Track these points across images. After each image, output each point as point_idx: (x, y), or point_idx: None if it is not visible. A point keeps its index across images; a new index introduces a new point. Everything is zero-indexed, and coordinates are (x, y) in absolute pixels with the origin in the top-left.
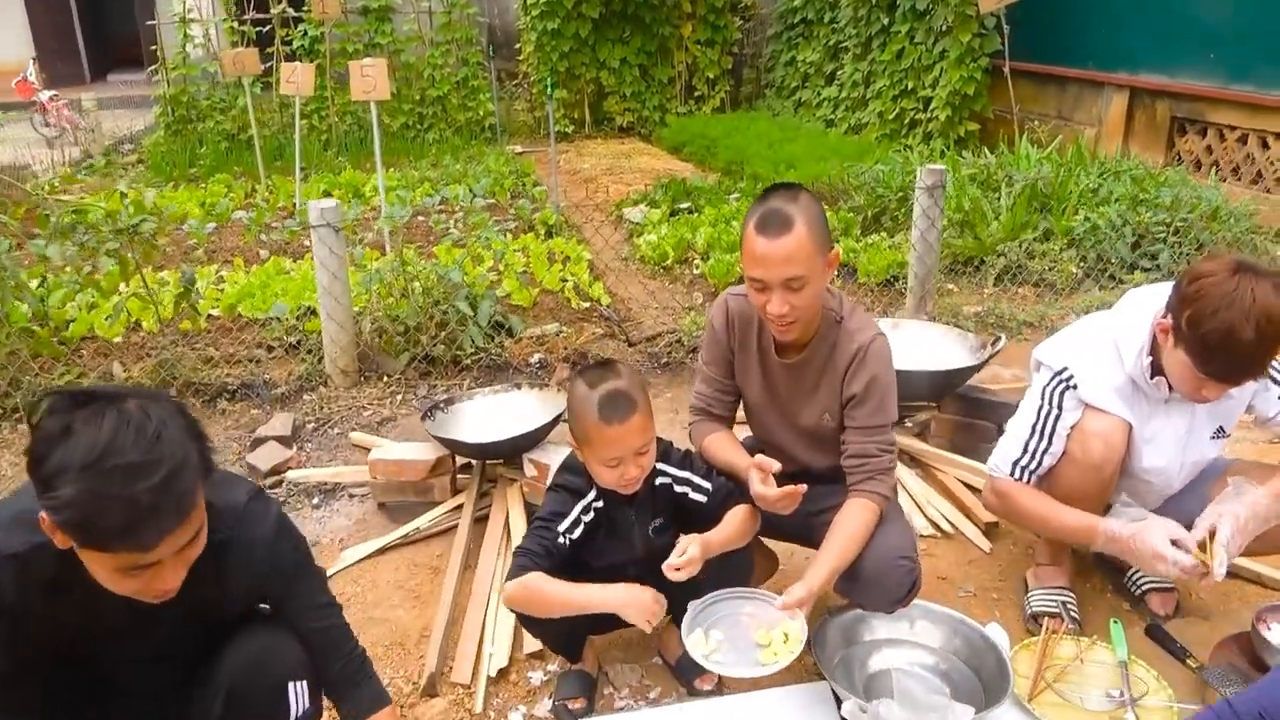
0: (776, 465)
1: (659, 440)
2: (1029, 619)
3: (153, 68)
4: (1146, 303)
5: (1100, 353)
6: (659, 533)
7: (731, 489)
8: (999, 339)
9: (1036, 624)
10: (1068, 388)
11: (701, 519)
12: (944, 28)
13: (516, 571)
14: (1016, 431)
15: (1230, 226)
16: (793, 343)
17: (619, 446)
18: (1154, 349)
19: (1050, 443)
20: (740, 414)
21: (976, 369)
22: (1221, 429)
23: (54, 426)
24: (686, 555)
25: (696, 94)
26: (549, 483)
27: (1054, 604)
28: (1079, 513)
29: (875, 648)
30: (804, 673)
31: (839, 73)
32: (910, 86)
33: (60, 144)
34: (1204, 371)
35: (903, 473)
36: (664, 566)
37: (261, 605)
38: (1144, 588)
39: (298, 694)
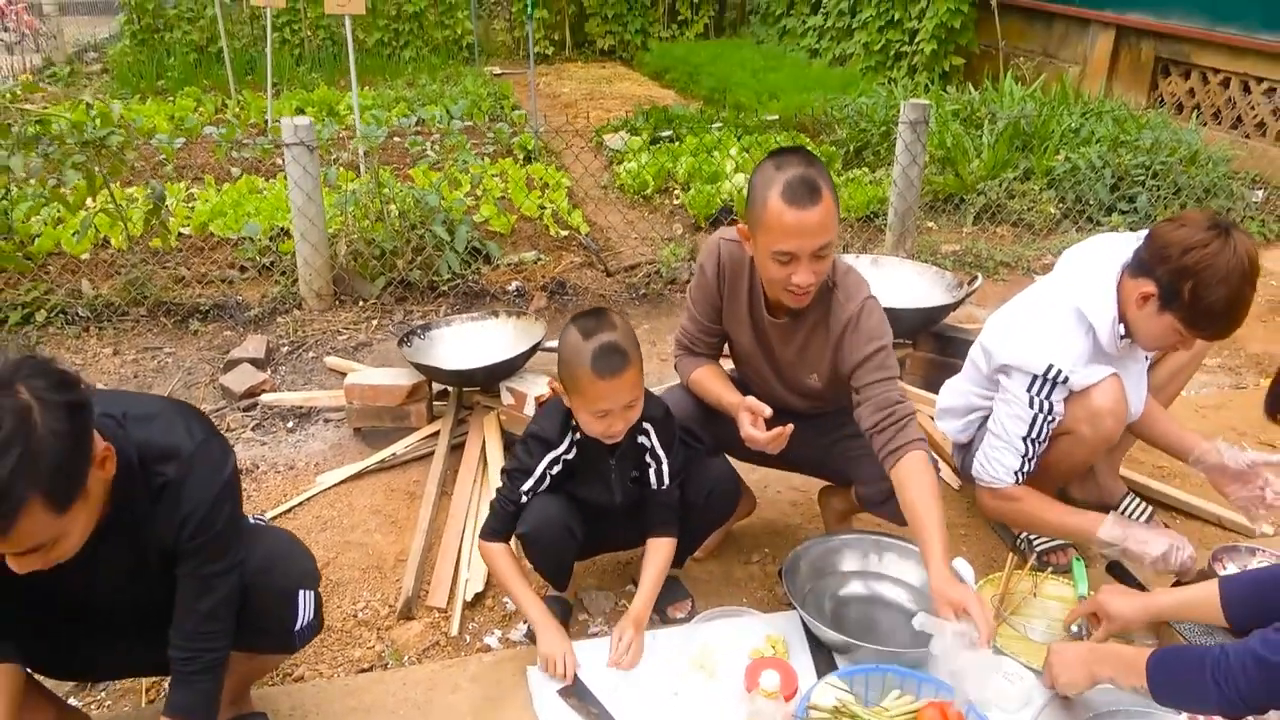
0: (768, 410)
1: (657, 401)
2: (1034, 558)
3: None
4: (1096, 266)
5: (1069, 330)
6: (636, 483)
7: (674, 502)
8: (976, 278)
9: (1041, 563)
10: (1056, 385)
11: (642, 499)
12: None
13: (488, 531)
14: (1010, 441)
15: (1209, 171)
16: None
17: (609, 400)
18: (1122, 314)
19: (1044, 444)
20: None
21: (953, 307)
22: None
23: None
24: (627, 645)
25: (680, 18)
26: (527, 428)
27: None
28: (1082, 514)
29: (845, 579)
30: (775, 603)
31: (825, 1)
32: (896, 18)
33: (20, 50)
34: (1195, 333)
35: None
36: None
37: None
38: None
39: (304, 603)
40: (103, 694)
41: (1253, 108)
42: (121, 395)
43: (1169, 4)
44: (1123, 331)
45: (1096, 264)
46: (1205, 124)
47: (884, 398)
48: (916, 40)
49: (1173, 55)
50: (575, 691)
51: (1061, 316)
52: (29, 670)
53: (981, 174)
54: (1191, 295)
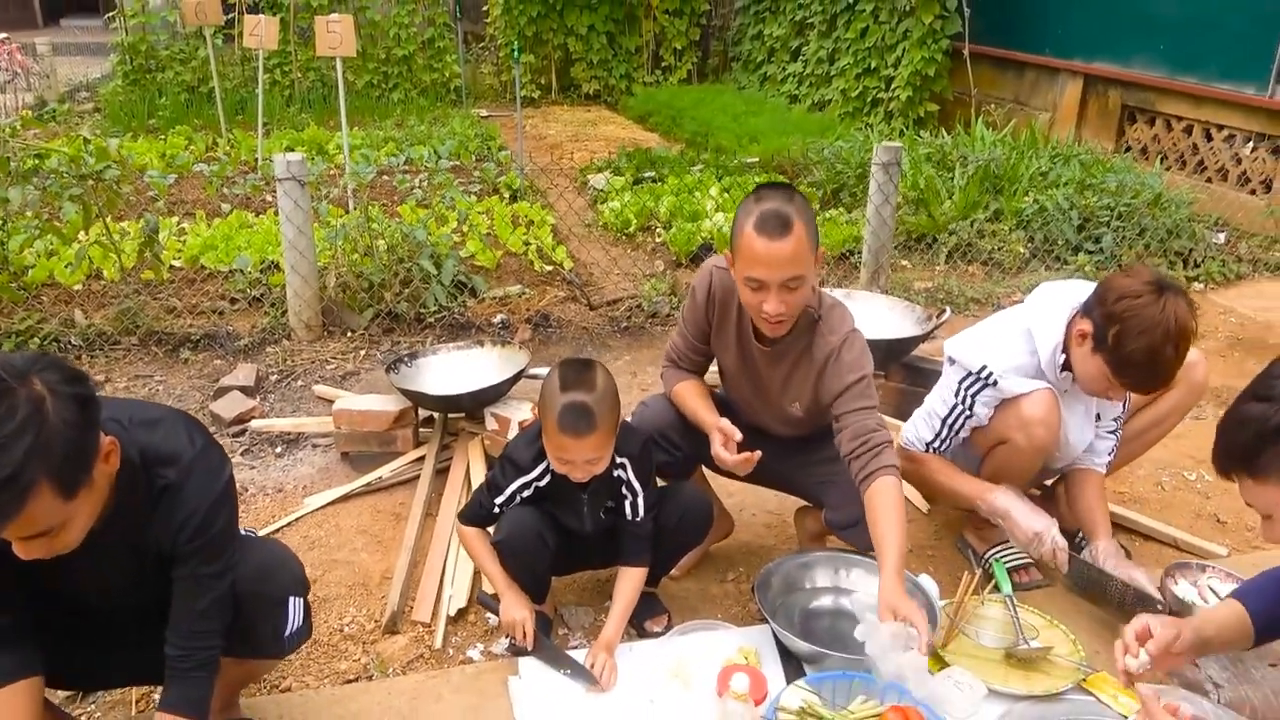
0: (738, 434)
1: (635, 437)
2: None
3: (110, 14)
4: (1060, 298)
5: (1014, 342)
6: (609, 513)
7: (647, 533)
8: (944, 311)
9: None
10: (985, 386)
11: (615, 526)
12: (907, 8)
13: (464, 518)
14: (931, 417)
15: (1171, 213)
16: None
17: (569, 453)
18: (1066, 345)
19: (959, 434)
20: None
21: (922, 339)
22: (1099, 416)
23: None
24: (601, 668)
25: (663, 64)
26: (505, 447)
27: (1022, 556)
28: (976, 482)
29: (815, 595)
30: (750, 619)
31: (804, 49)
32: (873, 65)
33: (13, 89)
34: (1120, 381)
35: None
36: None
37: None
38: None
39: (294, 609)
40: (93, 706)
41: (1214, 154)
42: (127, 402)
43: (1134, 54)
44: (1063, 362)
45: (1061, 298)
46: (1170, 169)
47: (860, 426)
48: (892, 87)
49: (1138, 103)
50: (541, 651)
51: (1011, 330)
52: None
53: (953, 215)
54: (1115, 340)
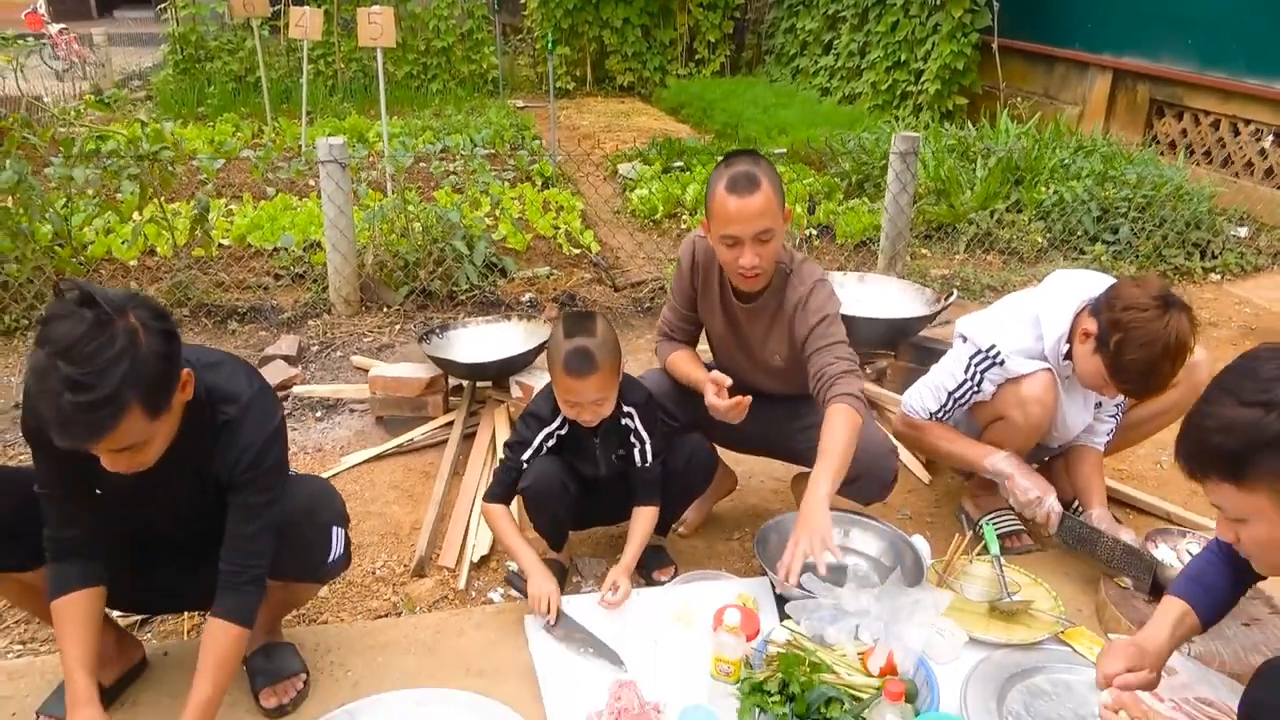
0: (729, 380)
1: (639, 388)
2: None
3: (161, 5)
4: (1071, 289)
5: (1023, 326)
6: (621, 460)
7: (656, 477)
8: (952, 293)
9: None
10: (993, 364)
11: (626, 474)
12: (937, 2)
13: (491, 494)
14: (938, 389)
15: (1193, 206)
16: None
17: (576, 394)
18: (1070, 337)
19: (963, 407)
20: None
21: (929, 319)
22: (1100, 404)
23: (51, 311)
24: (616, 589)
25: (697, 57)
26: (525, 408)
27: (1014, 523)
28: (977, 446)
29: None
30: (752, 573)
31: (836, 42)
32: (903, 59)
33: (70, 77)
34: (1115, 383)
35: None
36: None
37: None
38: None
39: (336, 538)
40: (149, 635)
41: (1241, 148)
42: (193, 347)
43: (1162, 48)
44: (1066, 351)
45: (1072, 289)
46: (1197, 163)
47: (820, 363)
48: (921, 80)
49: (1167, 97)
50: (561, 624)
51: (1021, 313)
52: None
53: (973, 204)
54: (1116, 347)
